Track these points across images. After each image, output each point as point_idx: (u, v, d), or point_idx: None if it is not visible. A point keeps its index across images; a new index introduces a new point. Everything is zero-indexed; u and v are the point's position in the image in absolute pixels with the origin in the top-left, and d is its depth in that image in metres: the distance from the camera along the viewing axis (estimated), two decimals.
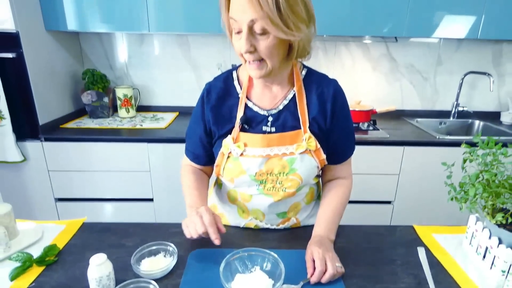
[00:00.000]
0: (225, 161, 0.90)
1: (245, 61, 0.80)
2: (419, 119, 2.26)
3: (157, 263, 0.79)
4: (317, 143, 0.88)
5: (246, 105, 0.90)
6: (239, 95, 0.91)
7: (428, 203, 1.96)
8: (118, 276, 0.76)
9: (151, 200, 1.97)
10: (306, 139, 0.87)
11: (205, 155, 0.97)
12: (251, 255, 0.78)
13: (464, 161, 0.82)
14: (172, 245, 0.83)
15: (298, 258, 0.84)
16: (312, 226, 0.99)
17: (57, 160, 1.88)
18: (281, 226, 0.97)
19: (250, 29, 0.73)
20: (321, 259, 0.77)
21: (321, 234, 0.87)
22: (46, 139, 1.84)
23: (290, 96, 0.90)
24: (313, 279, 0.75)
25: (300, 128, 0.88)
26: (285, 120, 0.89)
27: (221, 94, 0.92)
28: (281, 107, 0.90)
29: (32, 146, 1.84)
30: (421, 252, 0.79)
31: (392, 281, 0.78)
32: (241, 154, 0.88)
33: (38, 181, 1.91)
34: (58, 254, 0.85)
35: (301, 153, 0.87)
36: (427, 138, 1.89)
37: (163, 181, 1.92)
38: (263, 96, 0.91)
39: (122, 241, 0.91)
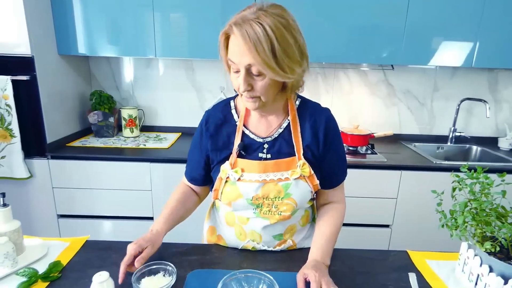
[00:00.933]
0: (223, 185, 0.95)
1: (241, 95, 0.87)
2: (416, 144, 2.31)
3: (156, 282, 0.82)
4: (311, 169, 0.93)
5: (243, 132, 0.96)
6: (237, 123, 0.97)
7: (425, 227, 1.97)
8: None
9: (151, 218, 2.00)
10: (300, 166, 0.92)
11: (201, 179, 1.03)
12: (248, 277, 0.81)
13: (454, 189, 0.86)
14: (171, 265, 0.85)
15: (294, 281, 0.86)
16: (307, 249, 1.02)
17: (61, 177, 1.92)
18: (278, 248, 1.00)
19: (248, 71, 0.80)
20: (317, 282, 0.79)
21: (316, 259, 0.90)
22: (53, 157, 1.89)
23: (284, 124, 0.96)
24: None
25: (294, 155, 0.93)
26: (280, 147, 0.94)
27: (219, 123, 0.98)
28: (276, 135, 0.95)
29: (39, 163, 1.90)
30: (412, 277, 0.81)
31: None
32: (239, 179, 0.92)
33: (42, 197, 1.95)
34: (62, 271, 0.88)
35: (296, 178, 0.92)
36: (424, 162, 1.93)
37: (164, 200, 1.93)
38: (259, 124, 0.96)
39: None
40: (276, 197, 0.92)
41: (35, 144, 1.89)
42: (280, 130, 0.95)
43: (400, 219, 1.97)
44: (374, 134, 2.14)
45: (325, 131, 0.94)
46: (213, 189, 0.98)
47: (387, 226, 2.00)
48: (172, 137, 2.29)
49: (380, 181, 1.91)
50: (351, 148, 2.10)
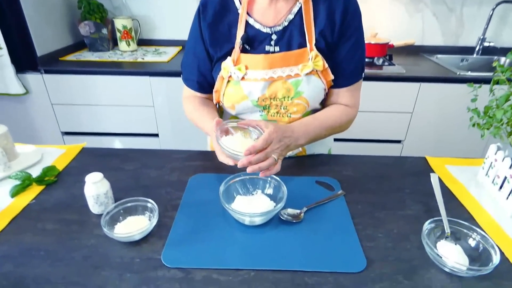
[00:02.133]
0: (225, 86, 0.83)
1: None
2: (439, 56, 2.08)
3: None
4: (325, 62, 0.79)
5: (247, 22, 0.80)
6: (239, 11, 0.80)
7: (440, 142, 1.89)
8: (119, 196, 0.74)
9: (157, 135, 1.95)
10: (312, 58, 0.78)
11: (210, 80, 0.89)
12: (253, 179, 0.75)
13: (494, 82, 0.73)
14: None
15: (302, 185, 0.80)
16: (318, 155, 0.95)
17: (59, 94, 1.82)
18: (287, 154, 0.92)
19: None
20: (266, 139, 0.69)
21: (293, 129, 0.78)
22: (46, 71, 1.76)
23: (295, 9, 0.79)
24: (244, 163, 0.68)
25: (306, 46, 0.78)
26: (291, 37, 0.79)
27: (218, 9, 0.81)
28: (286, 23, 0.79)
29: (33, 79, 1.78)
30: (434, 178, 0.74)
31: (399, 207, 0.74)
32: (242, 78, 0.80)
33: (43, 114, 1.88)
34: (58, 175, 0.83)
35: (307, 74, 0.79)
36: (446, 74, 1.76)
37: (168, 117, 1.87)
38: (265, 11, 0.80)
39: (122, 165, 0.88)
40: (285, 97, 0.81)
41: (25, 57, 1.74)
42: (291, 17, 0.79)
43: (414, 134, 1.88)
44: (394, 44, 1.92)
45: (343, 13, 0.77)
46: (214, 91, 0.87)
47: (398, 141, 1.92)
48: (172, 50, 2.10)
49: (396, 94, 1.76)
50: (367, 60, 1.91)
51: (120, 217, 0.67)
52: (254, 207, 0.67)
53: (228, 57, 0.80)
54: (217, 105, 0.96)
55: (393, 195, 0.78)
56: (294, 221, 0.68)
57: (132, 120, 1.91)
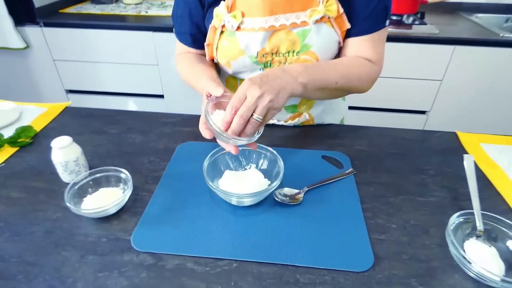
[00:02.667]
0: (218, 38, 0.69)
1: None
2: (479, 15, 1.81)
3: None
4: (339, 6, 0.63)
5: None
6: None
7: (472, 116, 1.69)
8: (96, 163, 0.65)
9: (162, 97, 1.84)
10: (324, 1, 0.62)
11: (204, 32, 0.73)
12: (245, 150, 0.64)
13: None
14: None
15: (305, 160, 0.69)
16: (328, 125, 0.81)
17: (60, 49, 1.72)
18: (290, 123, 0.80)
19: None
20: (240, 95, 0.51)
21: (283, 68, 0.58)
22: (46, 24, 1.65)
23: None
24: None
25: None
26: None
27: None
28: None
29: (32, 32, 1.67)
30: (468, 160, 0.60)
31: (419, 193, 0.62)
32: (238, 28, 0.65)
33: (45, 71, 1.79)
34: (34, 137, 0.74)
35: (317, 21, 0.63)
36: (486, 36, 1.52)
37: (173, 77, 1.75)
38: None
39: (105, 127, 0.79)
40: (289, 51, 0.66)
41: (22, 8, 1.63)
42: None
43: (441, 104, 1.68)
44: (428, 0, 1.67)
45: None
46: (205, 44, 0.73)
47: (423, 112, 1.74)
48: None
49: (426, 58, 1.55)
50: (394, 18, 1.67)
51: (90, 189, 0.58)
52: (244, 185, 0.56)
53: (222, 2, 0.66)
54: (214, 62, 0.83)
55: (414, 177, 0.66)
56: (291, 203, 0.57)
57: (137, 80, 1.80)
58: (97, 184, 0.59)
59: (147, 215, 0.55)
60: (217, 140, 0.58)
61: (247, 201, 0.55)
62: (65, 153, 0.59)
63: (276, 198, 0.57)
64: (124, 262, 0.48)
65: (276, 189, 0.57)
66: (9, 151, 0.70)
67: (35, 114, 0.82)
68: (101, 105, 1.90)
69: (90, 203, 0.56)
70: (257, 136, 0.56)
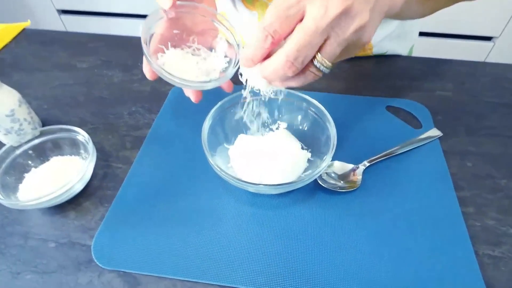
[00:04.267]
0: None
1: None
2: None
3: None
4: None
5: None
6: None
7: None
8: (53, 117, 0.44)
9: None
10: None
11: None
12: (272, 100, 0.40)
13: None
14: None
15: (360, 114, 0.44)
16: (393, 57, 0.54)
17: None
18: None
19: None
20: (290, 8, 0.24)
21: None
22: None
23: None
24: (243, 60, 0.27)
25: None
26: None
27: None
28: None
29: None
30: None
31: None
32: None
33: None
34: None
35: None
36: None
37: None
38: None
39: (73, 60, 0.55)
40: None
41: None
42: None
43: None
44: None
45: None
46: None
47: (489, 38, 1.36)
48: None
49: None
50: None
51: (32, 162, 0.38)
52: (269, 163, 0.34)
53: None
54: None
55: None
56: (342, 189, 0.35)
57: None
58: (48, 151, 0.39)
59: (119, 205, 0.35)
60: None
61: (271, 189, 0.33)
62: None
63: (319, 182, 0.35)
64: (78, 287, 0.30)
65: (323, 166, 0.35)
66: None
67: None
68: (100, 29, 1.61)
69: (32, 184, 0.36)
70: (232, 71, 0.32)
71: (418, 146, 0.40)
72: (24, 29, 0.62)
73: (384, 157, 0.38)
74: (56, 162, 0.38)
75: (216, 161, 0.33)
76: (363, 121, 0.43)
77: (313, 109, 0.37)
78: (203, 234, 0.32)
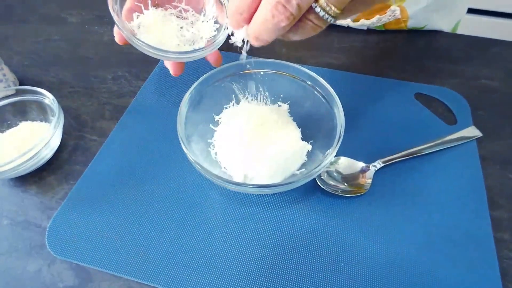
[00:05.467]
0: None
1: None
2: None
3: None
4: None
5: None
6: None
7: None
8: (31, 76, 0.39)
9: None
10: None
11: None
12: (266, 76, 0.32)
13: None
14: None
15: (382, 99, 0.36)
16: (432, 33, 0.44)
17: None
18: (363, 23, 0.43)
19: None
20: None
21: None
22: None
23: None
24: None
25: None
26: None
27: None
28: None
29: None
30: None
31: None
32: None
33: None
34: None
35: None
36: None
37: None
38: None
39: (64, 13, 0.49)
40: None
41: None
42: None
43: None
44: None
45: None
46: None
47: None
48: None
49: None
50: None
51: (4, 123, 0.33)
52: (260, 156, 0.27)
53: None
54: None
55: None
56: (348, 194, 0.28)
57: None
58: (19, 114, 0.34)
59: (84, 184, 0.30)
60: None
61: (258, 192, 0.27)
62: None
63: (318, 182, 0.28)
64: (24, 275, 0.26)
65: (326, 162, 0.28)
66: None
67: None
68: None
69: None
70: (221, 40, 0.26)
71: (450, 147, 0.32)
72: None
73: (404, 158, 0.31)
74: (26, 126, 0.33)
75: (195, 149, 0.27)
76: (383, 110, 0.35)
77: (319, 89, 0.29)
78: (173, 232, 0.27)
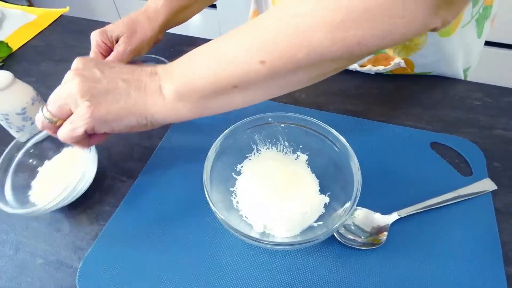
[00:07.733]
0: None
1: None
2: None
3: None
4: None
5: None
6: None
7: None
8: None
9: (214, 7, 1.46)
10: None
11: None
12: (288, 128, 0.33)
13: None
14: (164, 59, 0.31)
15: (397, 148, 0.36)
16: (441, 79, 0.44)
17: None
18: (370, 69, 0.43)
19: None
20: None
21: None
22: None
23: None
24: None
25: None
26: None
27: None
28: None
29: None
30: None
31: None
32: None
33: None
34: (7, 59, 0.51)
35: None
36: None
37: None
38: None
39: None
40: None
41: None
42: None
43: None
44: None
45: None
46: None
47: None
48: None
49: None
50: None
51: (50, 151, 0.35)
52: (277, 206, 0.28)
53: None
54: None
55: None
56: (363, 246, 0.28)
57: None
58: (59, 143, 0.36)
59: (114, 226, 0.31)
60: None
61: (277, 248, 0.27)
62: (2, 101, 0.35)
63: (336, 235, 0.29)
64: None
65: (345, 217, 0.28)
66: None
67: (18, 23, 0.57)
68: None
69: (44, 177, 0.34)
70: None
71: (466, 199, 0.32)
72: (61, 16, 0.59)
73: (419, 210, 0.31)
74: (68, 153, 0.35)
75: (217, 197, 0.28)
76: (400, 159, 0.35)
77: (337, 145, 0.30)
78: (195, 278, 0.28)
